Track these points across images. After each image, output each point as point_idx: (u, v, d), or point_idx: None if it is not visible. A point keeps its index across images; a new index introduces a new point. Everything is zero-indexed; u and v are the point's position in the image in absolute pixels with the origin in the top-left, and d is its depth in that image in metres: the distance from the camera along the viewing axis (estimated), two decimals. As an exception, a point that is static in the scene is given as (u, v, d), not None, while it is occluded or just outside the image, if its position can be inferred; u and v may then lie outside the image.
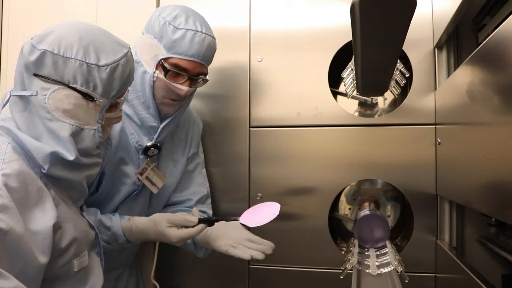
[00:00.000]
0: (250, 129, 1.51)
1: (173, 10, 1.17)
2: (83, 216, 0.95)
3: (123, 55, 0.87)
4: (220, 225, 1.17)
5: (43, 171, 0.81)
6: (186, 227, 1.08)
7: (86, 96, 0.83)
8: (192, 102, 1.46)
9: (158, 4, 1.59)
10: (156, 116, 1.21)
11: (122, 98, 0.93)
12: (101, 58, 0.83)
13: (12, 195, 0.71)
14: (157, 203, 1.32)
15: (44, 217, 0.76)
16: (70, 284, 0.86)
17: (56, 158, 0.81)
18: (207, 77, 1.24)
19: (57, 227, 0.79)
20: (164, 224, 1.08)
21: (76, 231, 0.86)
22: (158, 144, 1.23)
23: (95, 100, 0.84)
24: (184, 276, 1.55)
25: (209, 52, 1.19)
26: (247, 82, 1.51)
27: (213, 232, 1.17)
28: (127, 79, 0.90)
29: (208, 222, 1.11)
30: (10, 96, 0.86)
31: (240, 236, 1.14)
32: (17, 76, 0.84)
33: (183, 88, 1.17)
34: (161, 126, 1.22)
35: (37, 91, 0.81)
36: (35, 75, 0.81)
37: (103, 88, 0.85)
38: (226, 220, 1.13)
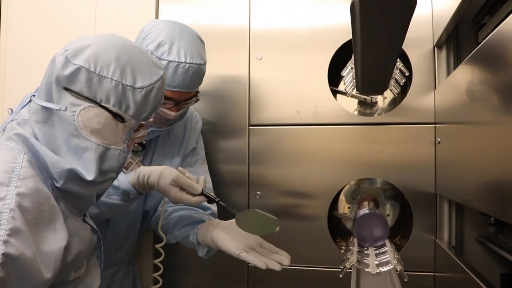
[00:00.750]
0: (250, 127, 1.50)
1: (157, 36, 1.13)
2: (86, 222, 0.93)
3: (159, 78, 0.84)
4: (228, 227, 1.14)
5: (56, 185, 0.79)
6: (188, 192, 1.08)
7: (116, 116, 0.80)
8: (192, 101, 1.46)
9: (157, 4, 1.59)
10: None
11: (151, 120, 0.91)
12: (137, 80, 0.81)
13: (25, 216, 0.69)
14: (152, 198, 1.32)
15: (56, 237, 0.75)
16: None
17: (72, 175, 0.79)
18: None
19: (67, 246, 0.78)
20: (168, 180, 1.07)
21: (81, 245, 0.85)
22: (143, 142, 1.23)
23: (125, 121, 0.82)
24: (183, 275, 1.55)
25: (194, 80, 1.17)
26: (247, 81, 1.51)
27: (220, 233, 1.13)
28: (159, 102, 0.88)
29: (209, 198, 1.10)
30: (31, 100, 0.84)
31: (251, 240, 1.09)
32: (44, 85, 0.81)
33: (171, 113, 1.17)
34: (151, 128, 1.22)
35: (66, 107, 0.78)
36: (66, 89, 0.78)
37: (135, 110, 0.82)
38: (226, 208, 1.10)
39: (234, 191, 1.51)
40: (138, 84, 0.81)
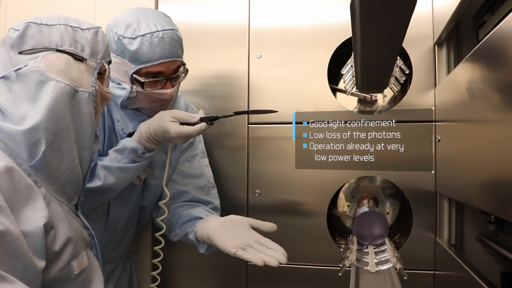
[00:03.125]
0: (249, 125, 1.50)
1: (123, 21, 1.13)
2: (78, 217, 0.91)
3: (99, 26, 0.90)
4: (224, 224, 1.13)
5: (28, 163, 0.77)
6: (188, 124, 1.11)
7: (75, 56, 0.83)
8: (191, 99, 1.45)
9: (157, 2, 1.58)
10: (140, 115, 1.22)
11: (107, 67, 0.92)
12: (82, 25, 0.87)
13: (1, 194, 0.67)
14: (150, 194, 1.32)
15: (35, 216, 0.73)
16: None
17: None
18: (187, 66, 1.22)
19: (49, 228, 0.75)
20: (168, 118, 1.10)
21: (70, 231, 0.82)
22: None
23: (85, 60, 0.85)
24: (182, 273, 1.55)
25: (175, 46, 1.15)
26: (246, 79, 1.50)
27: (216, 232, 1.11)
28: (107, 48, 0.92)
29: (210, 119, 1.13)
30: None
31: (248, 237, 1.07)
32: (1, 64, 0.82)
33: (166, 91, 1.16)
34: (147, 117, 1.22)
35: (26, 63, 0.79)
36: (21, 53, 0.80)
37: (90, 49, 0.86)
38: (229, 116, 1.16)
39: (233, 189, 1.50)
40: (84, 26, 0.87)
